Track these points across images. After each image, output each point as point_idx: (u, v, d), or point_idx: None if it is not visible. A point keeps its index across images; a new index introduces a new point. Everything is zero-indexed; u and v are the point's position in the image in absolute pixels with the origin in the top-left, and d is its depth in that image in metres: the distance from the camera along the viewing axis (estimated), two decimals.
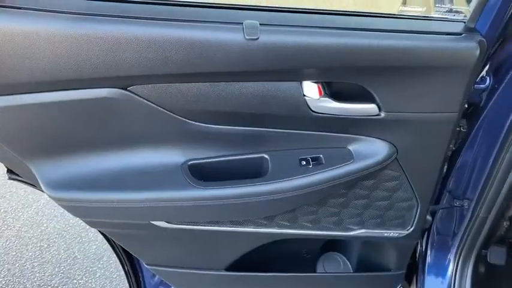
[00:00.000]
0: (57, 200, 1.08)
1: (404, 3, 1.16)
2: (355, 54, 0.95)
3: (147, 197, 1.08)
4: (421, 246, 1.52)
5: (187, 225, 1.21)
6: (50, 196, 1.07)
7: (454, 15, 1.06)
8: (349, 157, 1.10)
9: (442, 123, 1.06)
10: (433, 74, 0.98)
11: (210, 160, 1.11)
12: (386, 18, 1.05)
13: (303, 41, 0.93)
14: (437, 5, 1.09)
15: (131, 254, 1.40)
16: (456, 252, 1.45)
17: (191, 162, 1.10)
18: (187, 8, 0.97)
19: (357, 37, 0.95)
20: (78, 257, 2.48)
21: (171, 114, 1.01)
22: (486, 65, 1.12)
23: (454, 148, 1.27)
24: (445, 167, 1.33)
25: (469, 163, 1.30)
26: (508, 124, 1.14)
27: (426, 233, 1.51)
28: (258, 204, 1.11)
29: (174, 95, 0.98)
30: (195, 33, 0.91)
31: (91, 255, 2.49)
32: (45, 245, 2.57)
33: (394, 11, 1.07)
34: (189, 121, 1.03)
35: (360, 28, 0.96)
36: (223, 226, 1.22)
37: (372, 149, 1.10)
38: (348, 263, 1.60)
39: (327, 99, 1.02)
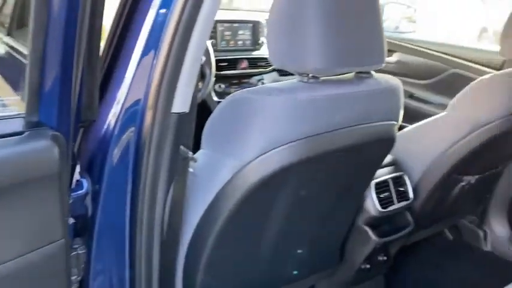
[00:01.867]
0: None
1: None
2: None
3: None
4: None
5: None
6: None
7: (10, 112, 0.81)
8: None
9: (45, 259, 0.80)
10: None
11: None
12: None
13: None
14: None
15: None
16: None
17: None
18: None
19: None
20: None
21: None
22: (76, 165, 0.91)
23: (80, 278, 0.97)
24: None
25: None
26: (127, 230, 0.94)
27: None
28: None
29: None
30: None
31: None
32: None
33: None
34: None
35: None
36: None
37: None
38: None
39: None
